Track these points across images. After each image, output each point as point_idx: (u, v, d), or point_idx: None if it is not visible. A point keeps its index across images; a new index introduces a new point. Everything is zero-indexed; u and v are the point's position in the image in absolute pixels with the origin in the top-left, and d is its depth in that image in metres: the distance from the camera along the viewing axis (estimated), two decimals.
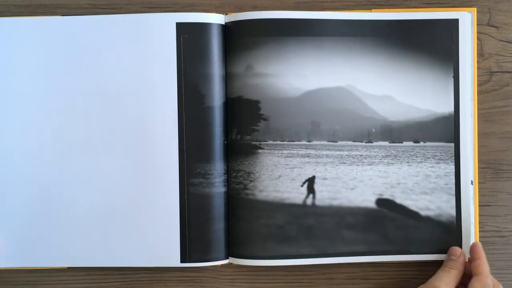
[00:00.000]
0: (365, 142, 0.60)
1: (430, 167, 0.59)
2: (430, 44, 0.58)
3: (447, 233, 0.58)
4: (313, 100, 0.58)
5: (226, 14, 0.58)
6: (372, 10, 0.59)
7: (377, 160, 0.59)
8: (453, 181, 0.59)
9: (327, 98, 0.59)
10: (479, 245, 0.56)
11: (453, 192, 0.58)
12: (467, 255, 0.57)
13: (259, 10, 0.58)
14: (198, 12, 0.58)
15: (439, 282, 0.54)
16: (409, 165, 0.59)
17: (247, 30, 0.58)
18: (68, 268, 0.59)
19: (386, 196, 0.59)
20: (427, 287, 0.54)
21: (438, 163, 0.59)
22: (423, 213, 0.58)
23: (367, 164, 0.59)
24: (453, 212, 0.58)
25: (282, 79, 0.58)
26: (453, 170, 0.59)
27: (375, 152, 0.60)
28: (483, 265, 0.55)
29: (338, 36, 0.58)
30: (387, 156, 0.59)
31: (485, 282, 0.53)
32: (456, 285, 0.55)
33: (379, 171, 0.59)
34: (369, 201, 0.58)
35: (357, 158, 0.59)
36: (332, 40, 0.58)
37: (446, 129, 0.59)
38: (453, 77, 0.58)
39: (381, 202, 0.58)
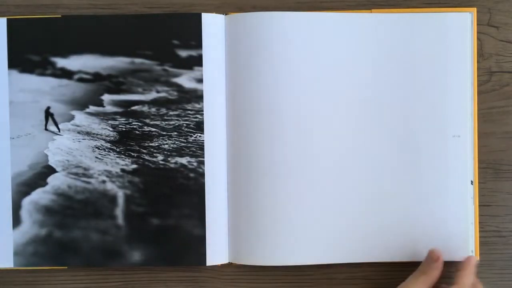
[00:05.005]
0: None
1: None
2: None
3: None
4: None
5: (226, 14, 0.58)
6: (372, 10, 0.58)
7: None
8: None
9: None
10: (472, 259, 0.55)
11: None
12: (474, 258, 0.56)
13: (259, 11, 0.57)
14: (198, 12, 0.58)
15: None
16: None
17: None
18: (68, 268, 0.59)
19: None
20: None
21: None
22: None
23: None
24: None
25: None
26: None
27: None
28: (464, 277, 0.53)
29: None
30: None
31: None
32: None
33: None
34: None
35: None
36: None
37: None
38: None
39: None
